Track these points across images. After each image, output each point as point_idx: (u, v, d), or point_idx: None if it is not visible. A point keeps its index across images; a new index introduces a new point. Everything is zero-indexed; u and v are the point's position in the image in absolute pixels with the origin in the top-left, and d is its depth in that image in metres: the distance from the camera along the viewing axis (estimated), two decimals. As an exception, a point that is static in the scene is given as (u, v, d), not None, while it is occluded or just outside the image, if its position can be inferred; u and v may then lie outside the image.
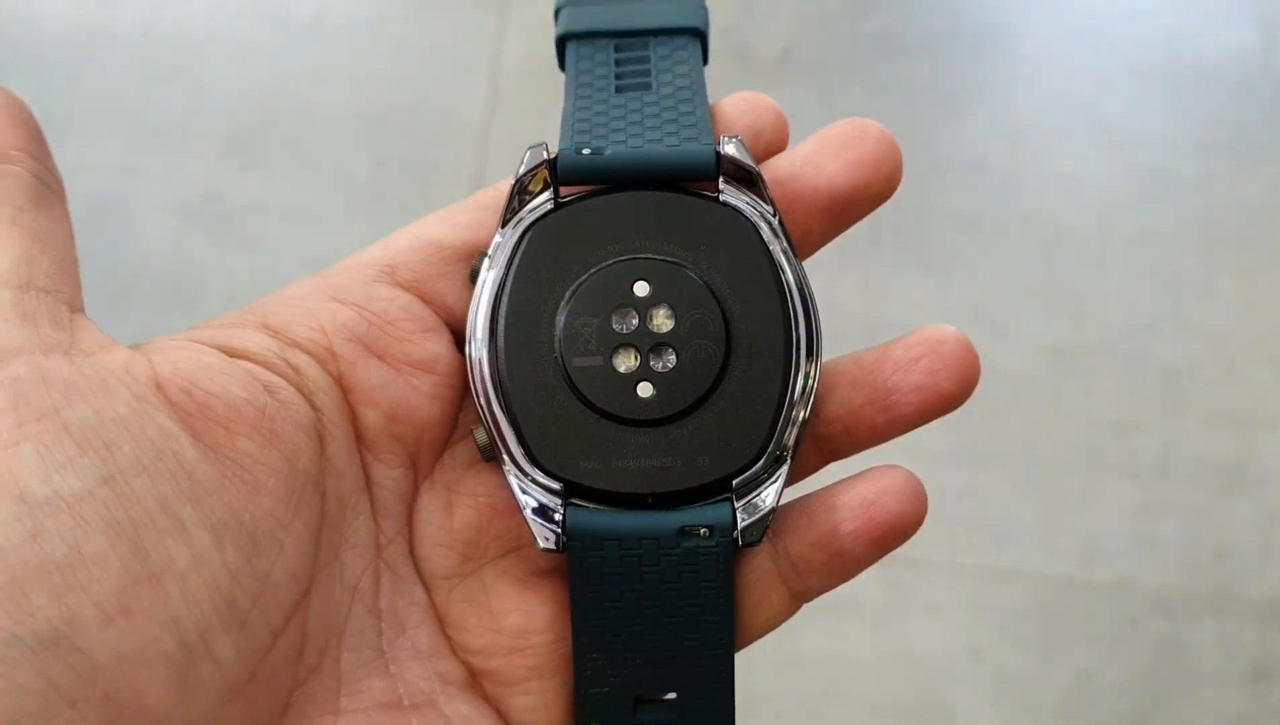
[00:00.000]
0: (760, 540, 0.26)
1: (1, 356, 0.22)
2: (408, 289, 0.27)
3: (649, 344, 0.26)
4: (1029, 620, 0.75)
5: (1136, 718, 0.74)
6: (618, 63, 0.30)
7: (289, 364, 0.26)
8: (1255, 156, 0.85)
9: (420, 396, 0.27)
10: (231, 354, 0.25)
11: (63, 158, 0.98)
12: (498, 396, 0.26)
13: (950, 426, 0.78)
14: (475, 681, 0.27)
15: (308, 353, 0.26)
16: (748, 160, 0.27)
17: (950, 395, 0.28)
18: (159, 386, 0.24)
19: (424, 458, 0.27)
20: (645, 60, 0.30)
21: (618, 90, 0.29)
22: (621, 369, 0.26)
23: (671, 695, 0.26)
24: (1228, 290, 0.82)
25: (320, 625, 0.25)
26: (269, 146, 0.85)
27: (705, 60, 0.31)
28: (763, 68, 0.88)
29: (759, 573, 0.27)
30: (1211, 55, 0.87)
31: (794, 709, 0.74)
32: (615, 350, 0.26)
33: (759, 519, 0.26)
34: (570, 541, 0.26)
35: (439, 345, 0.27)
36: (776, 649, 0.74)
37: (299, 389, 0.25)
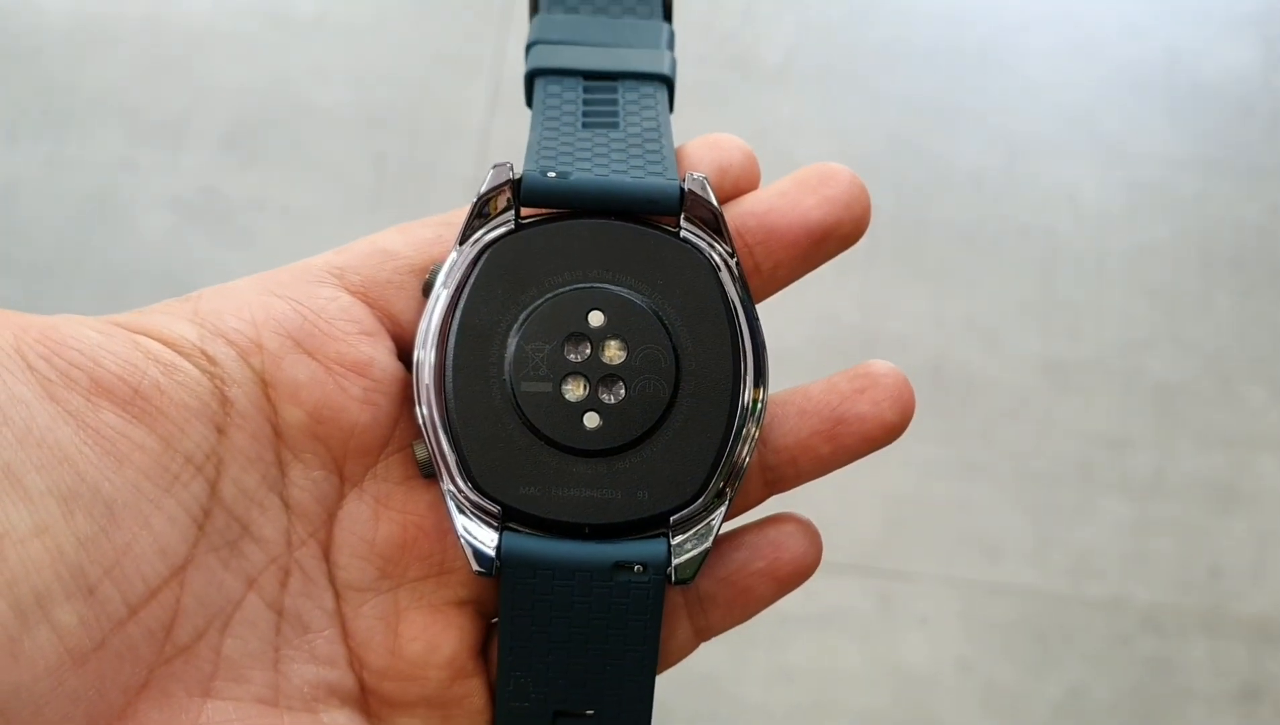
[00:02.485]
0: (693, 578, 0.26)
1: None
2: (354, 293, 0.27)
3: (599, 375, 0.26)
4: (1019, 635, 0.75)
5: (1125, 735, 0.74)
6: (586, 101, 0.30)
7: (204, 352, 0.25)
8: (1254, 175, 0.85)
9: (349, 399, 0.26)
10: (136, 331, 0.25)
11: (61, 151, 0.98)
12: (441, 413, 0.26)
13: (943, 439, 0.78)
14: (364, 697, 0.27)
15: (230, 343, 0.26)
16: (710, 198, 0.27)
17: (891, 426, 0.28)
18: (19, 351, 0.23)
19: (351, 464, 0.27)
20: (613, 101, 0.30)
21: (585, 126, 0.29)
22: (570, 397, 0.26)
23: (590, 712, 0.27)
24: (1224, 308, 0.82)
25: (198, 607, 0.24)
26: (269, 144, 0.85)
27: (670, 108, 0.31)
28: (763, 76, 0.88)
29: (671, 607, 0.28)
30: (1212, 73, 0.88)
31: (782, 720, 0.74)
32: (565, 378, 0.26)
33: (693, 557, 0.26)
34: (504, 567, 0.26)
35: (376, 350, 0.27)
36: (766, 660, 0.74)
37: (210, 378, 0.25)
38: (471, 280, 0.27)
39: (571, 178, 0.27)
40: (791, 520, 0.28)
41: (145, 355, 0.25)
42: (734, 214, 0.28)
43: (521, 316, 0.27)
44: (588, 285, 0.27)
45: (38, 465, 0.22)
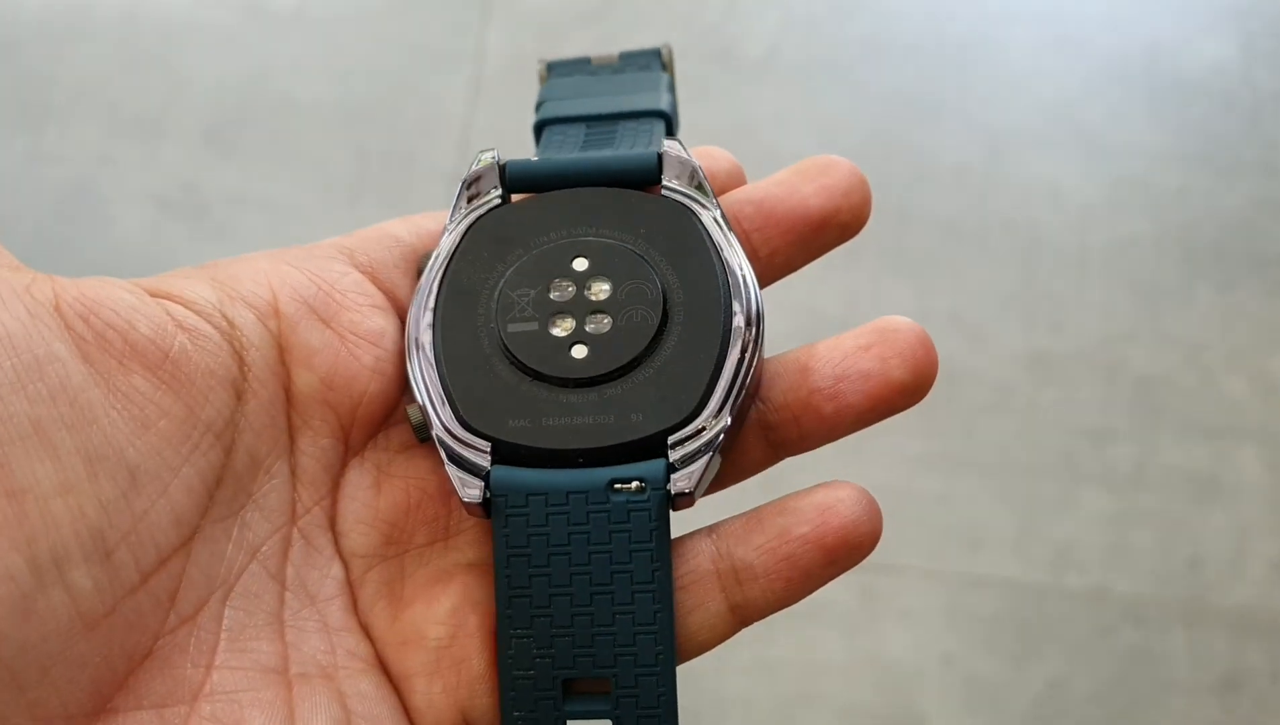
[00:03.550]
0: (695, 494, 0.25)
1: None
2: (363, 271, 0.27)
3: (585, 311, 0.27)
4: (1002, 627, 0.76)
5: (1107, 726, 0.74)
6: (586, 136, 0.31)
7: (224, 315, 0.25)
8: (1235, 168, 0.85)
9: (360, 367, 0.26)
10: (160, 296, 0.25)
11: (39, 146, 0.98)
12: (430, 363, 0.26)
13: (926, 432, 0.78)
14: (381, 664, 0.26)
15: (249, 306, 0.26)
16: (687, 156, 0.28)
17: (901, 385, 0.27)
18: (58, 310, 0.23)
19: (357, 432, 0.27)
20: (613, 132, 0.31)
21: (582, 148, 0.30)
22: (557, 333, 0.26)
23: (605, 683, 0.25)
24: (1205, 301, 0.82)
25: (201, 577, 0.24)
26: (248, 138, 0.84)
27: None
28: (747, 69, 0.88)
29: (697, 575, 0.26)
30: (1192, 66, 0.88)
31: (765, 713, 0.74)
32: (552, 317, 0.27)
33: (694, 470, 0.25)
34: (494, 496, 0.25)
35: (386, 321, 0.27)
36: (748, 652, 0.74)
37: (229, 341, 0.25)
38: (460, 248, 0.27)
39: (555, 159, 0.28)
40: (845, 487, 0.27)
41: (172, 320, 0.25)
42: (730, 200, 0.28)
43: (507, 272, 0.27)
44: (571, 239, 0.27)
45: (68, 424, 0.22)
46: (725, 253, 0.27)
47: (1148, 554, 0.77)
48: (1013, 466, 0.78)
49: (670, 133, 0.31)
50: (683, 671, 0.26)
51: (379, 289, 0.28)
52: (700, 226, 0.27)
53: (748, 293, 0.27)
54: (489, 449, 0.26)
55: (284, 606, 0.25)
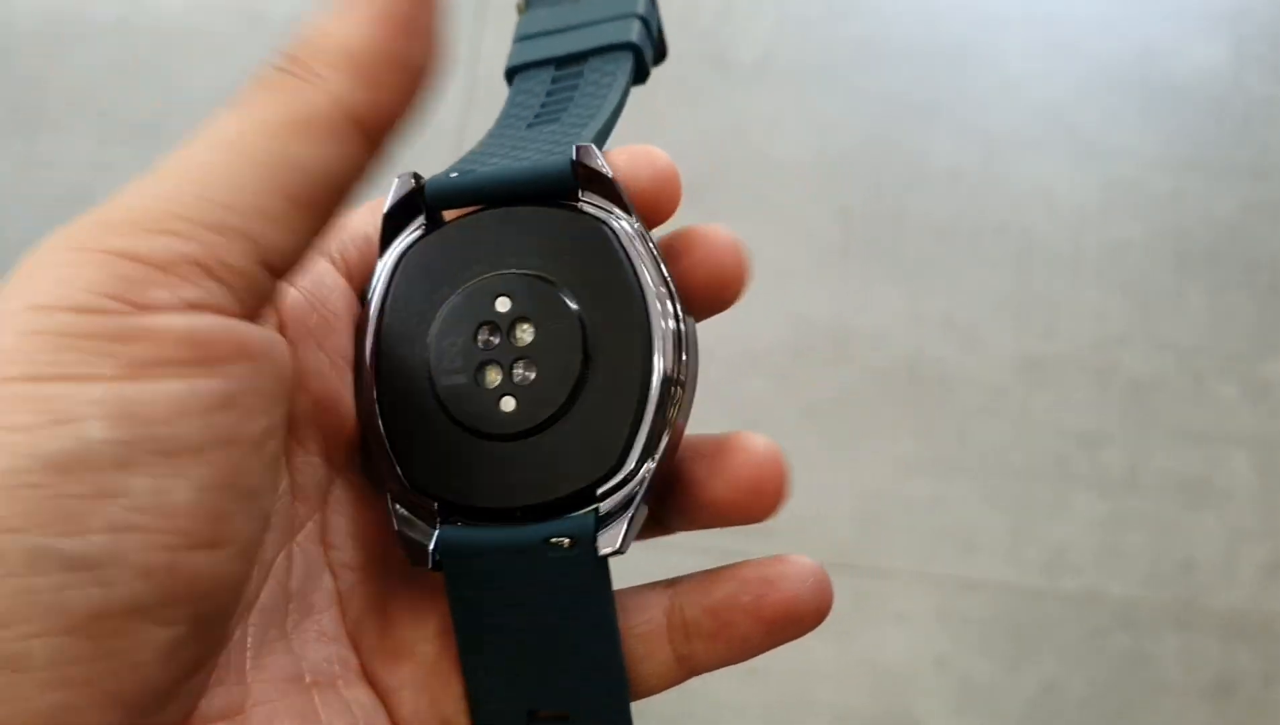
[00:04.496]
0: (621, 549, 0.25)
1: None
2: (346, 277, 0.28)
3: (510, 358, 0.26)
4: (994, 630, 0.76)
5: (1100, 729, 0.75)
6: (548, 94, 0.30)
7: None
8: (1227, 172, 0.86)
9: (346, 391, 0.27)
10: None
11: (35, 153, 0.98)
12: (373, 420, 0.27)
13: (919, 435, 0.79)
14: (367, 675, 0.27)
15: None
16: (599, 165, 0.27)
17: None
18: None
19: (340, 453, 0.27)
20: (574, 88, 0.30)
21: (529, 125, 0.29)
22: (486, 385, 0.26)
23: (565, 714, 0.26)
24: (1197, 305, 0.82)
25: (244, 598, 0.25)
26: (243, 143, 0.85)
27: (644, 75, 0.31)
28: (741, 72, 0.88)
29: (650, 625, 0.26)
30: (1185, 71, 0.88)
31: (757, 717, 0.74)
32: (480, 367, 0.26)
33: (617, 525, 0.25)
34: (443, 558, 0.25)
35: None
36: (744, 656, 0.74)
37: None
38: (391, 291, 0.27)
39: (472, 174, 0.28)
40: (794, 563, 0.27)
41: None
42: None
43: (437, 315, 0.27)
44: (494, 273, 0.27)
45: (273, 487, 0.23)
46: (645, 278, 0.26)
47: (1140, 557, 0.77)
48: (1005, 470, 0.78)
49: (640, 70, 0.30)
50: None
51: (357, 298, 0.28)
52: (620, 250, 0.26)
53: (667, 320, 0.26)
54: (436, 507, 0.26)
55: (287, 618, 0.26)
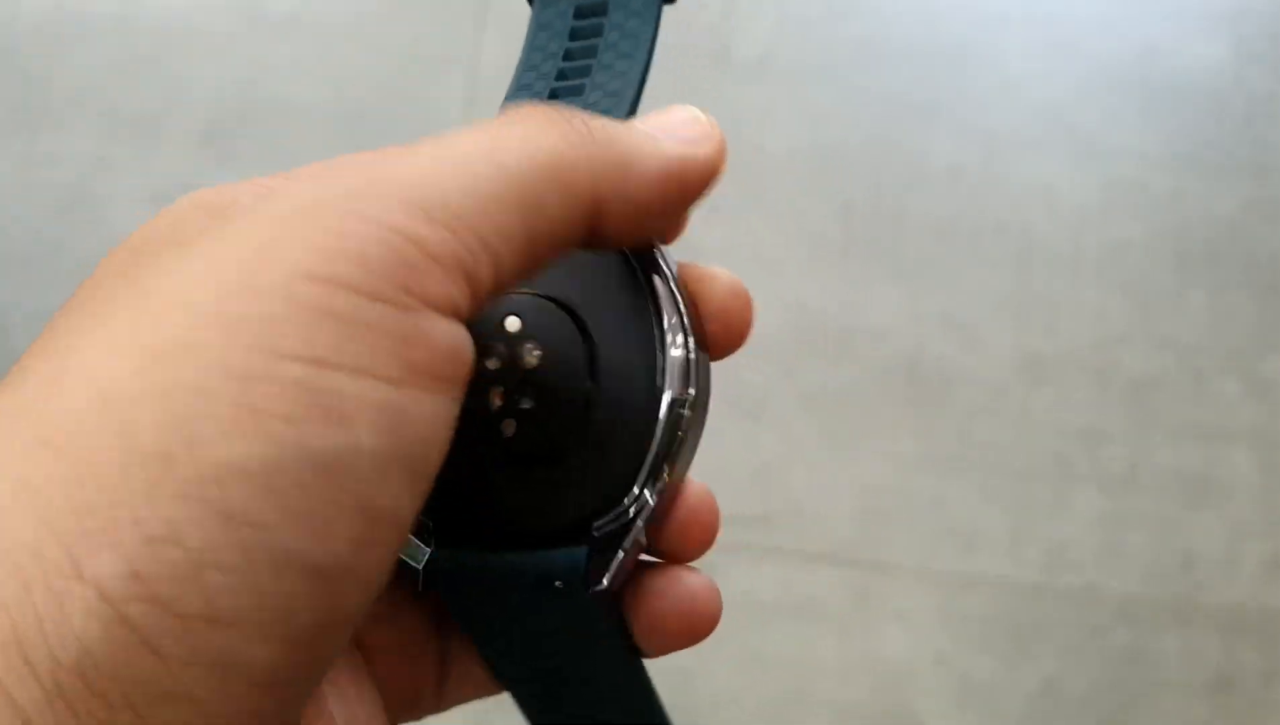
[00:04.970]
0: (610, 586, 0.24)
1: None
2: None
3: (515, 380, 0.25)
4: (995, 627, 0.76)
5: (1100, 724, 0.75)
6: (567, 50, 0.28)
7: None
8: (1228, 171, 0.86)
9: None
10: None
11: (37, 149, 0.98)
12: None
13: (919, 432, 0.79)
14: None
15: None
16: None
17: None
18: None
19: None
20: (594, 46, 0.28)
21: (551, 94, 0.28)
22: (488, 406, 0.25)
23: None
24: (1198, 303, 0.82)
25: None
26: (245, 141, 0.85)
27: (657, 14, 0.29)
28: (742, 69, 0.88)
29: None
30: (1186, 69, 0.88)
31: (757, 712, 0.74)
32: (487, 388, 0.25)
33: (611, 572, 0.24)
34: (430, 581, 0.25)
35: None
36: (741, 651, 0.74)
37: None
38: None
39: None
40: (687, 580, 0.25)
41: None
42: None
43: None
44: (509, 292, 0.25)
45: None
46: (662, 300, 0.25)
47: (1140, 554, 0.77)
48: (1006, 467, 0.79)
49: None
50: (676, 670, 0.26)
51: None
52: (631, 269, 0.25)
53: (677, 350, 0.24)
54: (431, 528, 0.25)
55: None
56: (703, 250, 0.83)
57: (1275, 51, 0.89)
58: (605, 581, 0.24)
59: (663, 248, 0.26)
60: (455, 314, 0.20)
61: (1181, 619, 0.76)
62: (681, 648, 0.24)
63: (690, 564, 0.25)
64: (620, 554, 0.24)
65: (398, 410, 0.19)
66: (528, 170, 0.21)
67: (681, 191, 0.24)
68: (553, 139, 0.21)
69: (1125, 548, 0.77)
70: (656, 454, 0.24)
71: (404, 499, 0.19)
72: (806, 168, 0.85)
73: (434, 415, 0.19)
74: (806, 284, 0.81)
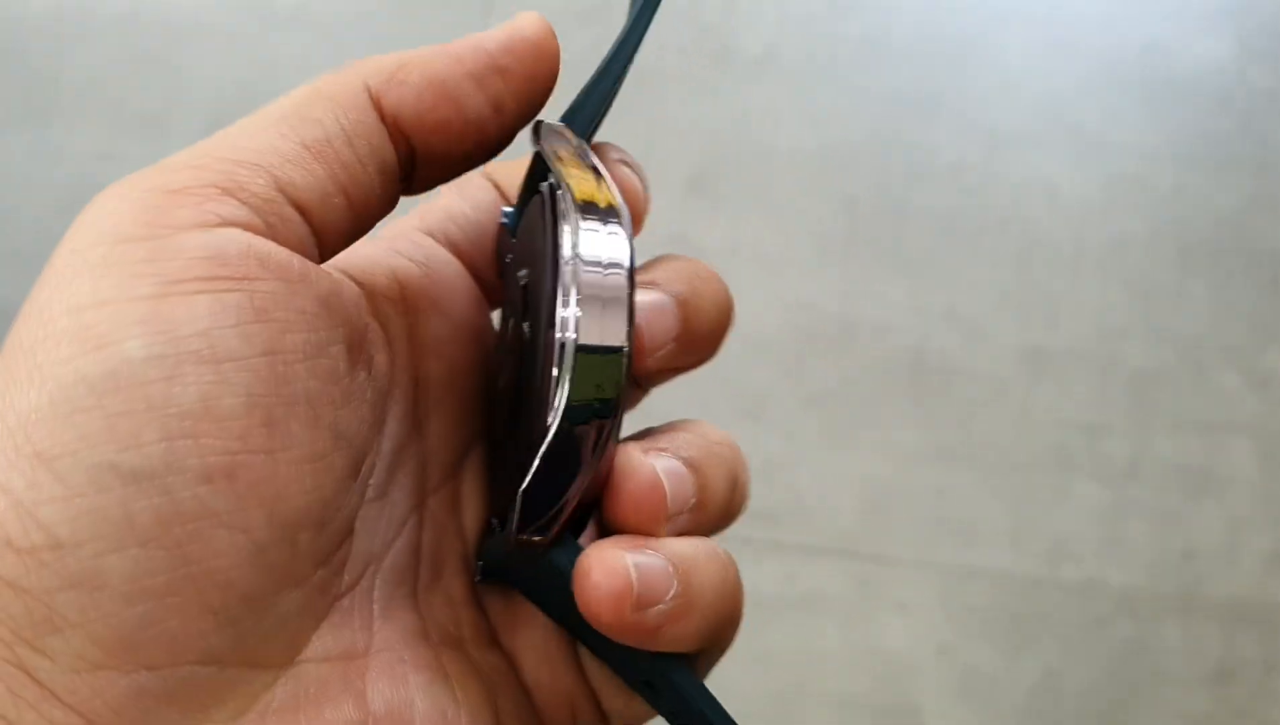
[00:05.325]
0: (540, 536, 0.24)
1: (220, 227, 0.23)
2: (455, 254, 0.28)
3: (512, 356, 0.26)
4: (996, 619, 0.76)
5: (1101, 717, 0.75)
6: None
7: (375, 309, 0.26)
8: (1229, 166, 0.86)
9: (474, 360, 0.27)
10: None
11: (44, 144, 0.98)
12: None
13: (922, 425, 0.79)
14: (495, 638, 0.27)
15: (386, 298, 0.26)
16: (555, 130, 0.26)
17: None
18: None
19: (472, 422, 0.28)
20: None
21: None
22: (500, 385, 0.26)
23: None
24: (1199, 297, 0.83)
25: (362, 550, 0.25)
26: (251, 136, 0.85)
27: None
28: (745, 66, 0.88)
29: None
30: (1188, 65, 0.89)
31: (761, 703, 0.75)
32: (501, 366, 0.26)
33: (515, 512, 0.24)
34: (490, 574, 0.26)
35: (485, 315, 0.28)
36: (744, 643, 0.75)
37: (387, 337, 0.26)
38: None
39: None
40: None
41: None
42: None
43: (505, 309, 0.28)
44: (522, 265, 0.26)
45: (333, 403, 0.23)
46: (563, 254, 0.23)
47: (1142, 546, 0.78)
48: (1007, 460, 0.79)
49: None
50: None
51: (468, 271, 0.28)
52: (549, 226, 0.24)
53: (567, 332, 0.23)
54: (496, 524, 0.26)
55: (418, 579, 0.26)
56: (705, 248, 0.83)
57: (1277, 48, 0.89)
58: (526, 532, 0.23)
59: (564, 173, 0.24)
60: (224, 221, 0.22)
61: (1182, 611, 0.76)
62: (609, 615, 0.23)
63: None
64: (518, 498, 0.23)
65: (160, 317, 0.21)
66: (297, 97, 0.24)
67: (442, 49, 0.25)
68: (308, 84, 0.25)
69: (1126, 540, 0.78)
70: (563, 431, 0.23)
71: (212, 387, 0.21)
72: (809, 165, 0.85)
73: (204, 309, 0.21)
74: (809, 280, 0.81)
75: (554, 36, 0.26)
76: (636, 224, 0.25)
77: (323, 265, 0.24)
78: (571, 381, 0.22)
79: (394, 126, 0.25)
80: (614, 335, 0.23)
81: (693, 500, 0.24)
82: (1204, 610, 0.76)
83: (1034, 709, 0.75)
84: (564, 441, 0.22)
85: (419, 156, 0.25)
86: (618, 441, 0.24)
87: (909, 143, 0.86)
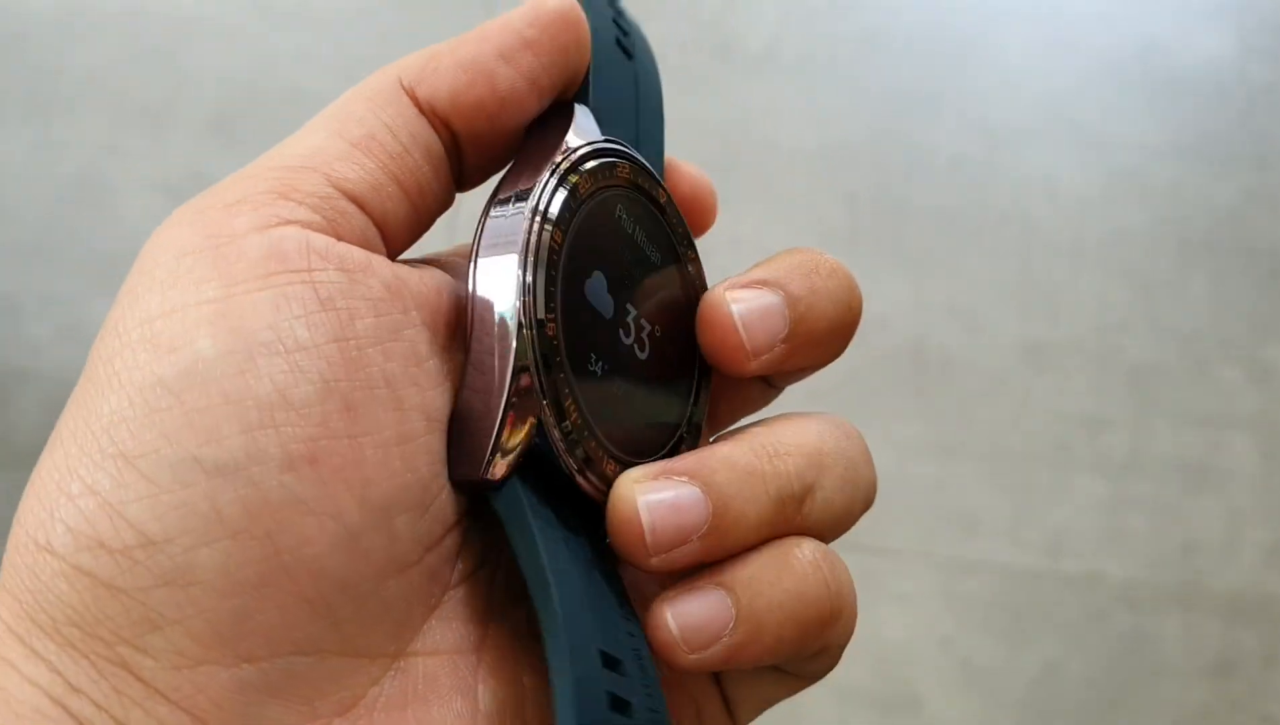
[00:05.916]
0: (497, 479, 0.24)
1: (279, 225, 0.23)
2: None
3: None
4: (997, 611, 0.76)
5: (1101, 708, 0.75)
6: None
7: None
8: (1228, 161, 0.86)
9: None
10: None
11: (47, 136, 0.98)
12: None
13: (923, 418, 0.79)
14: None
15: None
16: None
17: None
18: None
19: None
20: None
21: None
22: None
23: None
24: (1199, 291, 0.83)
25: (478, 537, 0.25)
26: (253, 129, 0.85)
27: None
28: (746, 62, 0.89)
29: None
30: (1188, 61, 0.89)
31: (765, 696, 0.75)
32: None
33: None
34: None
35: None
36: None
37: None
38: None
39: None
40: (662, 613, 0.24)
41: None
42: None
43: None
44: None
45: (417, 384, 0.23)
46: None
47: (1142, 539, 0.78)
48: (1008, 452, 0.79)
49: None
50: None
51: None
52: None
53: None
54: None
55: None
56: (707, 244, 0.83)
57: (1276, 45, 0.89)
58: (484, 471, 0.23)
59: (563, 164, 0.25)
60: (283, 221, 0.23)
61: (1182, 604, 0.77)
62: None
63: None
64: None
65: (231, 315, 0.21)
66: (334, 104, 0.25)
67: (470, 35, 0.26)
68: (351, 89, 0.26)
69: (1126, 533, 0.78)
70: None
71: (286, 376, 0.21)
72: (810, 161, 0.85)
73: (268, 303, 0.22)
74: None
75: (578, 6, 0.26)
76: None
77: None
78: None
79: (432, 114, 0.25)
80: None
81: (703, 528, 0.24)
82: (1204, 603, 0.77)
83: (1034, 701, 0.75)
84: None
85: (463, 142, 0.26)
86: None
87: (910, 139, 0.87)
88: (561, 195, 0.24)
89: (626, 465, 0.24)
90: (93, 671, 0.20)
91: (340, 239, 0.23)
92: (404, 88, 0.25)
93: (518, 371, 0.23)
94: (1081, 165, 0.86)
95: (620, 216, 0.26)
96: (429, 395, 0.23)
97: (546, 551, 0.23)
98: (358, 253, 0.23)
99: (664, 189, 0.27)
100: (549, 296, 0.23)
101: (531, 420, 0.23)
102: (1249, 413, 0.80)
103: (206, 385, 0.21)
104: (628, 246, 0.26)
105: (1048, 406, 0.80)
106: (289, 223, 0.23)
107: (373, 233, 0.24)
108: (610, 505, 0.23)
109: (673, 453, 0.26)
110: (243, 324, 0.21)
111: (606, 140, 0.26)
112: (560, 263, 0.24)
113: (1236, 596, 0.77)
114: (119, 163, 0.84)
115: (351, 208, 0.24)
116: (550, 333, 0.23)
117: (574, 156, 0.25)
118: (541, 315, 0.23)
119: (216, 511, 0.21)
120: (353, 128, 0.25)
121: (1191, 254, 0.84)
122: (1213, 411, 0.80)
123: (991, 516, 0.78)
